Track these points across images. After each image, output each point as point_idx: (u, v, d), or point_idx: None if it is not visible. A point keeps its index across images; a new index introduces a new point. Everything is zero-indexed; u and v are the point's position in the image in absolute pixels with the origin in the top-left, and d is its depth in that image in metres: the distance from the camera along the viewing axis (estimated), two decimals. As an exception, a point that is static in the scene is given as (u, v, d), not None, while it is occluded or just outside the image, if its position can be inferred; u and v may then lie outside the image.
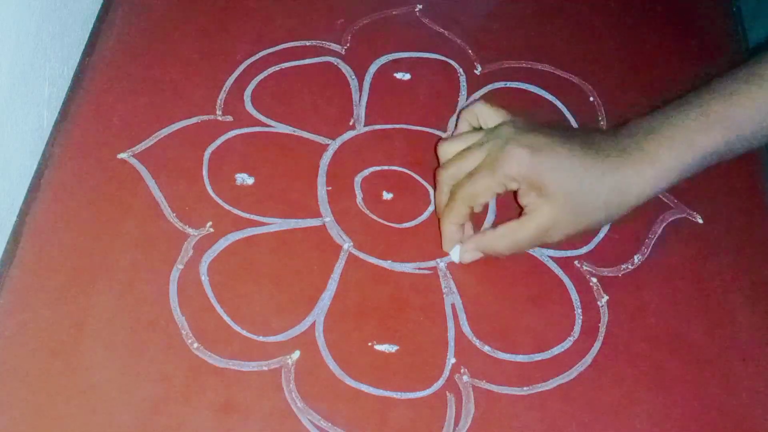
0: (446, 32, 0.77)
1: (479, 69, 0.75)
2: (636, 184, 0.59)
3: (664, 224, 0.67)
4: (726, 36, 0.80)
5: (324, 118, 0.71)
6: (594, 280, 0.64)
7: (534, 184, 0.58)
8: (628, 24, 0.80)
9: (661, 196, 0.68)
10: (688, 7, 0.82)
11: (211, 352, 0.58)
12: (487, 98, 0.66)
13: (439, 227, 0.63)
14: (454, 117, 0.72)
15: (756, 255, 0.66)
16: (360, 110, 0.72)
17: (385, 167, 0.69)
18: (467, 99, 0.73)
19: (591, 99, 0.74)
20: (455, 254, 0.63)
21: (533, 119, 0.62)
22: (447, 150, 0.63)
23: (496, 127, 0.61)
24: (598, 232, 0.66)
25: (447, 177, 0.62)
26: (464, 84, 0.74)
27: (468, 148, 0.61)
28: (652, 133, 0.59)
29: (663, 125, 0.59)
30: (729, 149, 0.59)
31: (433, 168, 0.68)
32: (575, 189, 0.58)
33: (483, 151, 0.60)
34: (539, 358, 0.60)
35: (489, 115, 0.64)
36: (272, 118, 0.70)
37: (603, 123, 0.73)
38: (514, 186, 0.59)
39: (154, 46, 0.74)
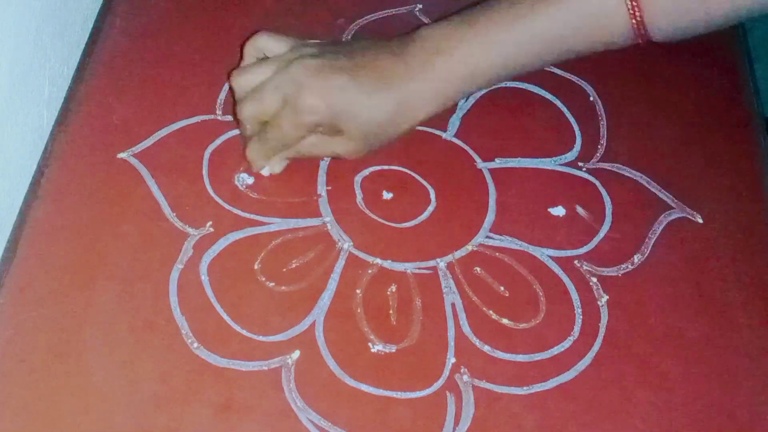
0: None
1: (479, 69, 0.75)
2: (423, 107, 0.64)
3: (664, 224, 0.67)
4: (726, 36, 0.80)
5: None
6: (594, 280, 0.64)
7: (332, 126, 0.63)
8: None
9: (661, 196, 0.68)
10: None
11: (211, 351, 0.58)
12: (269, 30, 0.68)
13: (245, 155, 0.66)
14: (455, 117, 0.72)
15: (756, 255, 0.66)
16: (360, 110, 0.72)
17: (385, 167, 0.69)
18: (467, 99, 0.73)
19: (591, 99, 0.74)
20: (265, 171, 0.67)
21: (321, 44, 0.66)
22: (241, 83, 0.65)
23: (287, 62, 0.63)
24: None
25: (248, 117, 0.64)
26: (464, 84, 0.74)
27: (263, 87, 0.63)
28: (436, 54, 0.63)
29: (446, 46, 0.63)
30: (509, 73, 0.64)
31: (432, 167, 0.69)
32: (370, 124, 0.63)
33: (278, 95, 0.62)
34: (539, 358, 0.60)
35: (273, 46, 0.66)
36: (272, 117, 0.70)
37: (603, 123, 0.72)
38: (315, 130, 0.63)
39: (154, 46, 0.74)
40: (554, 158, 0.70)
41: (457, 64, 0.63)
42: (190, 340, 0.58)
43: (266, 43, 0.66)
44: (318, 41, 0.67)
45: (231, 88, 0.67)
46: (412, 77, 0.63)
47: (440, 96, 0.64)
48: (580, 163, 0.70)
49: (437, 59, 0.63)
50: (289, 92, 0.62)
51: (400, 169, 0.69)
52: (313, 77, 0.62)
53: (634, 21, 0.61)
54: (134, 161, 0.67)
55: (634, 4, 0.60)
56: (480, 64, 0.63)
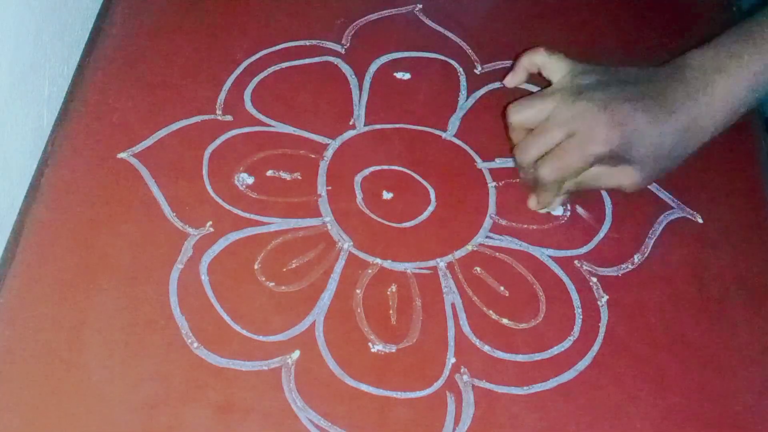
0: (446, 32, 0.77)
1: (479, 69, 0.75)
2: (708, 126, 0.63)
3: (664, 224, 0.67)
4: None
5: (324, 118, 0.71)
6: (594, 280, 0.64)
7: (620, 159, 0.62)
8: (628, 24, 0.80)
9: (661, 196, 0.68)
10: (688, 7, 0.82)
11: (211, 351, 0.58)
12: (546, 46, 0.67)
13: (529, 197, 0.66)
14: (455, 117, 0.72)
15: (756, 255, 0.66)
16: (360, 110, 0.72)
17: (385, 167, 0.69)
18: (467, 99, 0.73)
19: (591, 99, 0.74)
20: (559, 211, 0.67)
21: (593, 66, 0.65)
22: (521, 119, 0.64)
23: (570, 98, 0.62)
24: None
25: (529, 158, 0.63)
26: (464, 84, 0.74)
27: (547, 125, 0.62)
28: (717, 73, 0.63)
29: (727, 63, 0.63)
30: None
31: (432, 167, 0.69)
32: (659, 152, 0.62)
33: (564, 131, 0.61)
34: (539, 358, 0.60)
35: (551, 66, 0.66)
36: (272, 117, 0.70)
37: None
38: (600, 163, 0.62)
39: (154, 46, 0.74)
40: (554, 158, 0.70)
41: (741, 78, 0.63)
42: (190, 340, 0.58)
43: (543, 61, 0.66)
44: (593, 67, 0.66)
45: (507, 123, 0.65)
46: (696, 100, 0.62)
47: (725, 114, 0.63)
48: (580, 163, 0.70)
49: (718, 77, 0.63)
50: (578, 127, 0.61)
51: (400, 169, 0.69)
52: (602, 111, 0.61)
53: None
54: (134, 161, 0.67)
55: None
56: (763, 74, 0.63)
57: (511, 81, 0.68)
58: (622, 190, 0.65)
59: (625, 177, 0.63)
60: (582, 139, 0.61)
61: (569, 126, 0.61)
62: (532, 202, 0.66)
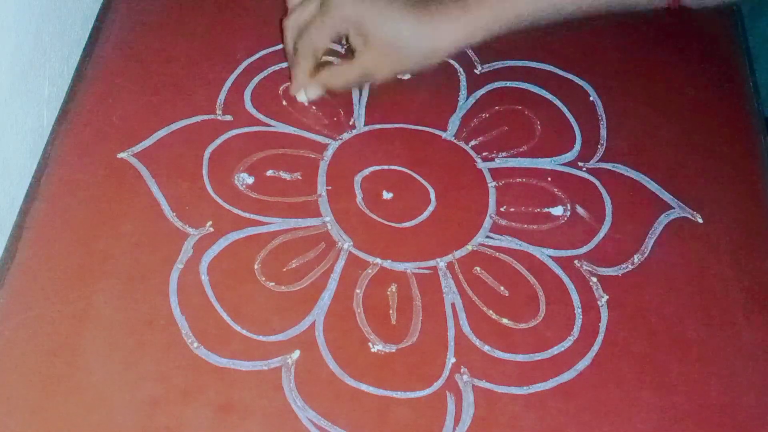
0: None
1: (479, 69, 0.75)
2: (449, 34, 0.66)
3: (664, 224, 0.67)
4: (726, 36, 0.80)
5: (324, 118, 0.71)
6: (594, 279, 0.64)
7: (359, 30, 0.66)
8: (628, 24, 0.80)
9: (661, 196, 0.68)
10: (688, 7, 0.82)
11: (211, 351, 0.58)
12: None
13: (290, 75, 0.71)
14: (455, 117, 0.72)
15: (756, 255, 0.66)
16: (360, 110, 0.72)
17: (385, 167, 0.69)
18: (467, 99, 0.73)
19: (591, 99, 0.74)
20: (302, 96, 0.71)
21: None
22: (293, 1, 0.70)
23: None
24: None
25: (289, 27, 0.69)
26: (464, 84, 0.74)
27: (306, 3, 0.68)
28: None
29: None
30: (539, 16, 0.65)
31: (432, 167, 0.69)
32: (393, 37, 0.66)
33: (315, 3, 0.67)
34: (539, 358, 0.60)
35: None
36: (272, 118, 0.71)
37: (603, 123, 0.73)
38: (343, 31, 0.67)
39: (154, 46, 0.74)
40: (554, 158, 0.70)
41: (489, 2, 0.64)
42: (190, 340, 0.58)
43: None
44: None
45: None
46: (441, 2, 0.65)
47: (466, 28, 0.65)
48: (580, 163, 0.70)
49: None
50: (326, 3, 0.66)
51: (400, 169, 0.69)
52: None
53: None
54: (134, 161, 0.67)
55: None
56: (511, 6, 0.64)
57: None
58: (368, 78, 0.69)
59: (366, 60, 0.67)
60: (321, 13, 0.66)
61: (319, 2, 0.67)
62: (291, 87, 0.71)
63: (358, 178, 0.68)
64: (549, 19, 0.66)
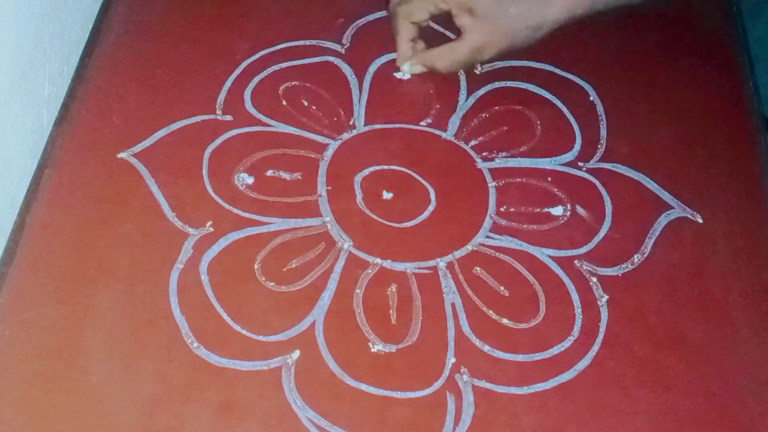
0: (446, 32, 0.77)
1: (479, 69, 0.75)
2: (554, 6, 0.67)
3: (664, 224, 0.67)
4: (726, 36, 0.80)
5: (324, 118, 0.71)
6: (594, 279, 0.64)
7: (463, 5, 0.68)
8: (628, 24, 0.80)
9: (661, 196, 0.68)
10: (688, 7, 0.82)
11: (211, 351, 0.58)
12: None
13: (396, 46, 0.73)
14: (455, 117, 0.72)
15: (756, 255, 0.66)
16: (360, 110, 0.72)
17: (385, 167, 0.69)
18: (467, 99, 0.73)
19: (591, 99, 0.74)
20: (405, 67, 0.73)
21: None
22: None
23: None
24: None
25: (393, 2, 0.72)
26: (464, 84, 0.74)
27: None
28: None
29: None
30: None
31: (432, 167, 0.69)
32: (499, 10, 0.67)
33: None
34: (539, 358, 0.60)
35: None
36: (272, 117, 0.71)
37: (603, 123, 0.73)
38: (444, 6, 0.69)
39: (154, 46, 0.74)
40: (554, 158, 0.70)
41: None
42: (190, 340, 0.58)
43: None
44: None
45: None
46: None
47: (569, 3, 0.67)
48: (580, 163, 0.70)
49: None
50: None
51: (400, 169, 0.69)
52: None
53: None
54: (134, 161, 0.67)
55: None
56: None
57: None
58: (476, 56, 0.70)
59: (473, 35, 0.68)
60: None
61: None
62: (398, 59, 0.73)
63: (358, 178, 0.68)
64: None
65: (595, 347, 0.61)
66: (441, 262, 0.64)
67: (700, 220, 0.67)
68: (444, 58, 0.71)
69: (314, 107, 0.71)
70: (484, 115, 0.72)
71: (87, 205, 0.64)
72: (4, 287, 0.60)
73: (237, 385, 0.57)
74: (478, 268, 0.64)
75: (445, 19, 0.71)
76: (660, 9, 0.81)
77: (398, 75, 0.73)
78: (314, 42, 0.76)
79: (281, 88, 0.72)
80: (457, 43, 0.70)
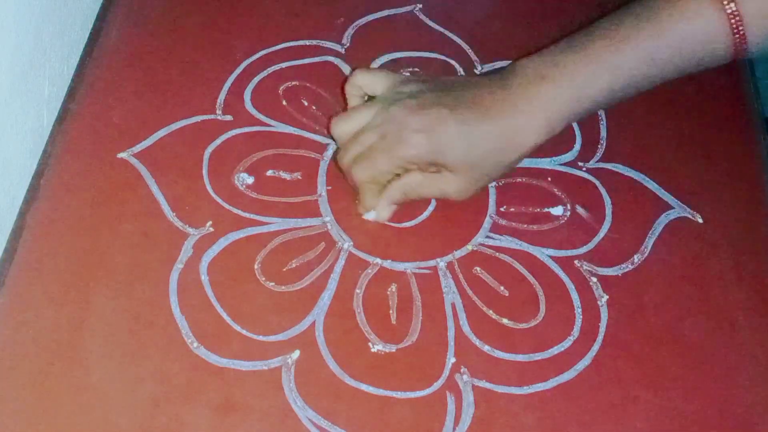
0: (446, 32, 0.77)
1: (479, 69, 0.75)
2: (529, 135, 0.62)
3: (664, 224, 0.67)
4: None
5: (324, 118, 0.71)
6: (594, 279, 0.64)
7: (433, 163, 0.62)
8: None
9: (661, 196, 0.68)
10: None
11: (211, 351, 0.58)
12: (361, 67, 0.68)
13: (357, 200, 0.66)
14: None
15: (756, 255, 0.66)
16: (360, 110, 0.72)
17: (385, 167, 0.69)
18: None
19: (591, 99, 0.74)
20: (371, 216, 0.65)
21: (416, 76, 0.66)
22: (342, 131, 0.65)
23: (386, 106, 0.63)
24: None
25: (347, 163, 0.64)
26: (464, 84, 0.74)
27: (363, 130, 0.63)
28: (540, 80, 0.61)
29: (551, 72, 0.61)
30: (615, 96, 0.62)
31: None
32: (474, 157, 0.62)
33: (377, 134, 0.62)
34: (539, 358, 0.60)
35: (372, 83, 0.66)
36: (272, 117, 0.70)
37: (603, 123, 0.72)
38: (412, 167, 0.62)
39: (154, 46, 0.74)
40: (554, 158, 0.70)
41: (563, 88, 0.61)
42: (190, 340, 0.58)
43: (364, 81, 0.66)
44: (415, 77, 0.67)
45: (332, 137, 0.66)
46: (515, 106, 0.61)
47: (546, 124, 0.61)
48: (580, 163, 0.70)
49: (542, 85, 0.61)
50: (388, 130, 0.62)
51: (400, 169, 0.69)
52: (414, 115, 0.61)
53: (737, 37, 0.59)
54: (134, 161, 0.67)
55: (738, 20, 0.59)
56: (586, 87, 0.61)
57: (338, 116, 0.66)
58: (450, 199, 0.64)
59: (446, 185, 0.63)
60: (390, 141, 0.61)
61: (381, 129, 0.62)
62: (359, 207, 0.65)
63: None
64: (624, 97, 0.62)
65: (595, 347, 0.61)
66: (441, 262, 0.64)
67: (700, 220, 0.67)
68: (410, 192, 0.64)
69: (314, 107, 0.71)
70: (484, 115, 0.72)
71: (87, 205, 0.64)
72: (4, 287, 0.60)
73: (237, 385, 0.57)
74: (478, 268, 0.64)
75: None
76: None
77: (367, 217, 0.65)
78: (314, 42, 0.76)
79: (281, 88, 0.72)
80: (426, 180, 0.63)
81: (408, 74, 0.66)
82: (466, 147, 0.61)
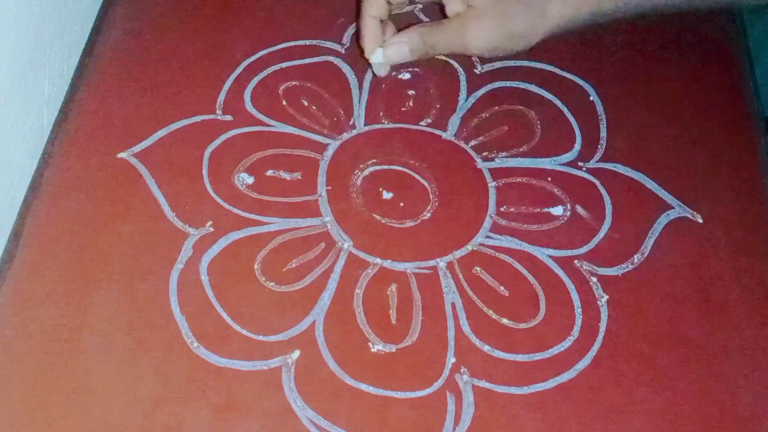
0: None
1: (479, 69, 0.75)
2: (557, 7, 0.61)
3: (664, 224, 0.67)
4: (726, 36, 0.80)
5: (324, 118, 0.71)
6: (594, 279, 0.64)
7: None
8: (627, 24, 0.80)
9: (661, 196, 0.68)
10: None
11: (211, 351, 0.58)
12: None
13: (360, 30, 0.63)
14: (455, 117, 0.72)
15: (756, 255, 0.66)
16: (360, 110, 0.72)
17: (385, 167, 0.69)
18: (467, 99, 0.73)
19: (591, 99, 0.74)
20: (378, 56, 0.60)
21: None
22: None
23: None
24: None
25: None
26: (464, 84, 0.74)
27: None
28: None
29: None
30: (639, 2, 0.62)
31: (432, 167, 0.69)
32: (501, 6, 0.60)
33: None
34: (539, 358, 0.60)
35: None
36: (272, 117, 0.71)
37: (603, 123, 0.73)
38: None
39: (154, 46, 0.74)
40: (554, 158, 0.70)
41: None
42: (190, 340, 0.58)
43: None
44: None
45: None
46: None
47: (573, 2, 0.61)
48: (580, 163, 0.70)
49: None
50: None
51: (400, 169, 0.69)
52: None
53: None
54: (134, 161, 0.67)
55: None
56: None
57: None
58: (467, 50, 0.62)
59: (469, 29, 0.61)
60: None
61: None
62: (365, 50, 0.63)
63: (358, 178, 0.68)
64: (644, 9, 0.62)
65: (595, 347, 0.61)
66: (441, 262, 0.64)
67: (700, 220, 0.67)
68: (428, 36, 0.61)
69: (314, 107, 0.71)
70: (484, 115, 0.72)
71: (87, 205, 0.64)
72: (4, 287, 0.60)
73: (237, 385, 0.57)
74: (478, 268, 0.64)
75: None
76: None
77: (375, 69, 0.61)
78: (314, 42, 0.76)
79: (281, 88, 0.72)
80: (446, 25, 0.61)
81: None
82: None
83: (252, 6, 0.78)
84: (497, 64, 0.76)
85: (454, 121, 0.72)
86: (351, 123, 0.71)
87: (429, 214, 0.66)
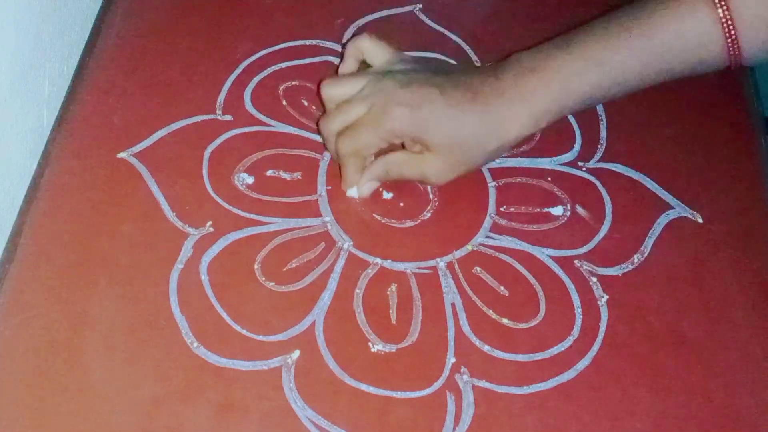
0: (446, 32, 0.77)
1: (479, 69, 0.75)
2: (513, 126, 0.62)
3: (664, 224, 0.67)
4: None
5: (324, 118, 0.71)
6: (594, 279, 0.64)
7: (416, 140, 0.62)
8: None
9: (661, 196, 0.68)
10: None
11: (211, 351, 0.58)
12: (372, 32, 0.67)
13: (339, 172, 0.66)
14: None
15: (756, 255, 0.66)
16: (360, 110, 0.72)
17: (385, 167, 0.69)
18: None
19: (591, 99, 0.74)
20: (353, 192, 0.66)
21: (416, 60, 0.66)
22: (332, 94, 0.65)
23: (378, 78, 0.63)
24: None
25: (331, 132, 0.64)
26: (464, 84, 0.74)
27: (351, 100, 0.63)
28: (530, 72, 0.62)
29: (541, 65, 0.62)
30: (604, 94, 0.62)
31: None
32: (456, 139, 0.62)
33: (365, 106, 0.62)
34: (539, 358, 0.60)
35: (374, 52, 0.66)
36: (272, 117, 0.71)
37: (603, 123, 0.72)
38: (396, 141, 0.63)
39: (154, 46, 0.74)
40: (554, 158, 0.70)
41: (551, 81, 0.61)
42: (190, 340, 0.58)
43: (367, 46, 0.66)
44: (415, 56, 0.68)
45: (321, 100, 0.66)
46: (502, 94, 0.61)
47: (531, 115, 0.62)
48: (580, 163, 0.70)
49: (530, 77, 0.61)
50: (376, 102, 0.62)
51: (400, 169, 0.69)
52: (403, 89, 0.62)
53: (729, 40, 0.59)
54: (134, 161, 0.67)
55: (729, 24, 0.59)
56: (574, 82, 0.61)
57: (342, 69, 0.68)
58: (428, 182, 0.65)
59: (427, 166, 0.63)
60: (377, 113, 0.62)
61: (369, 101, 0.62)
62: (342, 183, 0.66)
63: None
64: (614, 96, 0.63)
65: (595, 347, 0.61)
66: (441, 262, 0.64)
67: (700, 220, 0.67)
68: (392, 170, 0.64)
69: (314, 107, 0.71)
70: (484, 115, 0.72)
71: (87, 205, 0.64)
72: (4, 287, 0.60)
73: (237, 385, 0.57)
74: (478, 268, 0.64)
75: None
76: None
77: (350, 194, 0.66)
78: (314, 42, 0.76)
79: (281, 88, 0.72)
80: (406, 159, 0.64)
81: (407, 54, 0.67)
82: (449, 128, 0.61)
83: (252, 6, 0.78)
84: (497, 64, 0.75)
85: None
86: (351, 123, 0.71)
87: (429, 214, 0.66)
